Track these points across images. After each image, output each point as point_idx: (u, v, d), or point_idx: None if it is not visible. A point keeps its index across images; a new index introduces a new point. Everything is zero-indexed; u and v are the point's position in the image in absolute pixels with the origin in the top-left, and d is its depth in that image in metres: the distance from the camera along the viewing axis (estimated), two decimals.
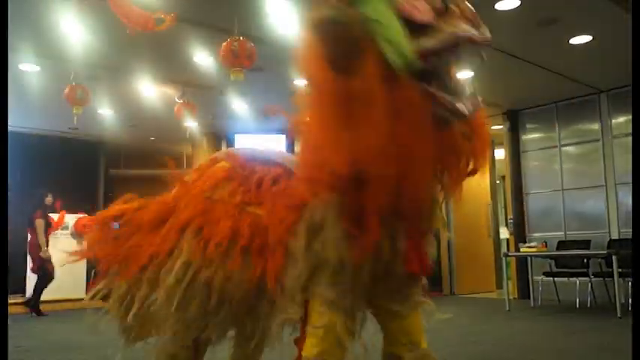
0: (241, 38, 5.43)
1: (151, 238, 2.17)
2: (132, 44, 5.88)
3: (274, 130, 10.96)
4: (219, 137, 11.30)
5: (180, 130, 8.99)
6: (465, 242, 10.39)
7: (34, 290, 8.47)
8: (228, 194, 2.11)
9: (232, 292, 1.97)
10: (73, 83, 6.98)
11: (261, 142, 11.12)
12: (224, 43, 5.44)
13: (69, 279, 9.21)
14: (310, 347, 1.81)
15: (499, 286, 10.43)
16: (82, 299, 9.80)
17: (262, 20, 5.48)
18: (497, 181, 11.84)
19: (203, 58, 6.73)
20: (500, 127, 9.60)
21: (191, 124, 8.90)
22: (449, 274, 10.38)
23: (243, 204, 2.07)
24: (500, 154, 10.33)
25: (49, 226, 8.54)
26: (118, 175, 12.88)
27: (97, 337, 2.31)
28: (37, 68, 6.95)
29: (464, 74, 6.98)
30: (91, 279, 10.23)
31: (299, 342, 1.88)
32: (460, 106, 1.66)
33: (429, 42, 1.61)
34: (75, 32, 5.63)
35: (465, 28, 1.62)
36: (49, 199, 8.65)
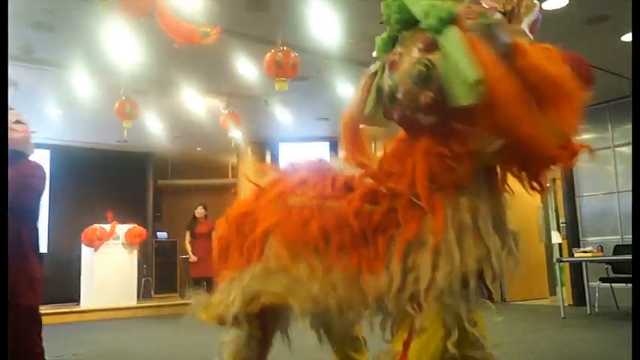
0: (285, 49, 5.47)
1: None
2: (178, 57, 6.00)
3: (318, 138, 11.00)
4: (263, 146, 11.40)
5: (226, 140, 9.09)
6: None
7: None
8: (307, 196, 2.07)
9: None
10: (123, 98, 7.16)
11: (305, 150, 11.18)
12: (268, 54, 5.49)
13: (120, 288, 9.44)
14: (427, 353, 1.77)
15: (552, 292, 10.14)
16: (133, 307, 10.10)
17: (306, 30, 5.50)
18: (548, 184, 11.55)
19: (247, 69, 6.80)
20: None
21: (236, 133, 9.00)
22: (499, 281, 10.13)
23: (321, 201, 2.02)
24: None
25: None
26: (166, 185, 13.15)
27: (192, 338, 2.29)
28: (89, 84, 7.15)
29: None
30: (142, 288, 10.49)
31: (406, 343, 1.81)
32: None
33: (527, 20, 1.92)
34: (124, 47, 5.77)
35: None
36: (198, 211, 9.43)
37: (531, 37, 1.89)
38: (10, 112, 2.98)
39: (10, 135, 2.86)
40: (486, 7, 1.83)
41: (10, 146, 2.81)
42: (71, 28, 5.71)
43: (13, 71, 6.87)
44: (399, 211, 1.84)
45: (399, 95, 1.82)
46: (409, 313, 1.78)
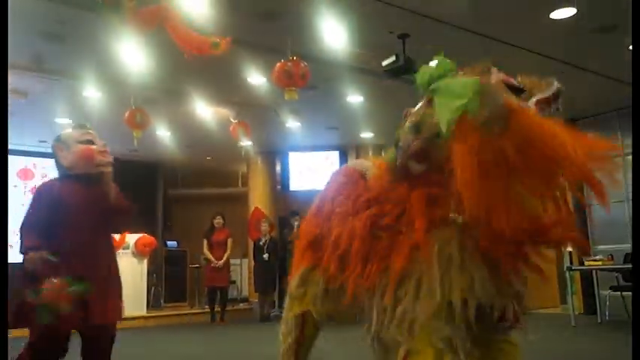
0: (294, 58, 5.50)
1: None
2: (188, 67, 6.04)
3: (328, 147, 11.03)
4: (273, 155, 11.45)
5: (236, 149, 9.13)
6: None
7: None
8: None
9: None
10: (133, 107, 7.22)
11: (315, 159, 11.21)
12: (277, 64, 5.53)
13: (130, 297, 9.45)
14: None
15: (563, 300, 10.06)
16: (142, 317, 10.12)
17: (315, 39, 5.53)
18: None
19: (257, 79, 6.85)
20: None
21: (246, 143, 9.04)
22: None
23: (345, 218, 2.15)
24: None
25: None
26: (176, 194, 13.20)
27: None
28: (99, 94, 7.22)
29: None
30: (151, 297, 10.51)
31: None
32: None
33: (540, 95, 1.90)
34: (134, 57, 5.84)
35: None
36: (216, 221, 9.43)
37: (535, 110, 1.87)
38: (88, 133, 2.95)
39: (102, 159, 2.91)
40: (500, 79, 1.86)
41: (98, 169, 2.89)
42: (81, 39, 5.77)
43: (24, 81, 6.97)
44: (388, 242, 1.95)
45: (400, 144, 1.96)
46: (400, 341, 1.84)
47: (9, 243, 2.83)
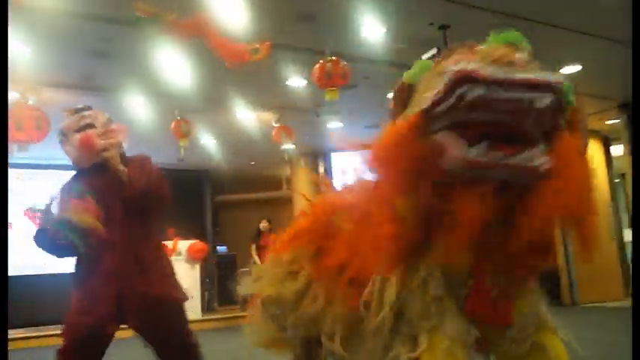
0: (334, 58, 5.51)
1: None
2: (229, 74, 6.13)
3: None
4: (315, 157, 11.48)
5: (278, 153, 9.21)
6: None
7: None
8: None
9: None
10: (178, 118, 7.38)
11: (357, 158, 11.19)
12: (317, 65, 5.55)
13: (186, 302, 9.62)
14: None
15: (628, 293, 9.69)
16: (199, 321, 10.23)
17: (353, 37, 5.54)
18: (617, 180, 11.11)
19: (297, 81, 6.90)
20: (616, 120, 9.04)
21: (288, 146, 9.11)
22: (569, 283, 9.67)
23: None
24: (617, 150, 9.71)
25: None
26: (223, 200, 13.39)
27: None
28: (145, 106, 7.40)
29: (571, 68, 6.64)
30: (205, 301, 10.70)
31: None
32: (532, 162, 1.47)
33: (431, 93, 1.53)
34: (177, 69, 5.97)
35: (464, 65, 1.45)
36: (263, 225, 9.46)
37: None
38: (84, 116, 2.62)
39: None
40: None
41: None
42: (127, 54, 5.94)
43: (75, 99, 7.19)
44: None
45: None
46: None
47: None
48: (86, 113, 2.61)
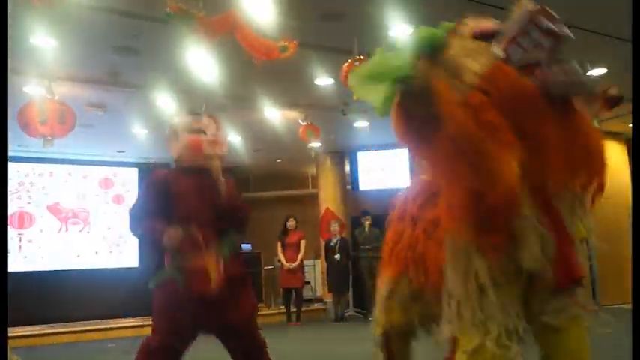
0: (362, 57, 5.46)
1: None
2: (256, 72, 6.10)
3: (396, 145, 10.90)
4: (342, 155, 11.42)
5: (305, 151, 9.19)
6: (607, 248, 9.59)
7: None
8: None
9: None
10: (205, 115, 7.37)
11: (384, 158, 11.11)
12: (345, 64, 5.50)
13: None
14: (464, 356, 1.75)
15: None
16: None
17: (381, 36, 5.47)
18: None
19: (324, 80, 6.85)
20: None
21: (315, 144, 9.07)
22: (591, 284, 9.62)
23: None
24: None
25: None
26: (249, 198, 13.39)
27: None
28: (172, 103, 7.42)
29: (596, 70, 6.55)
30: None
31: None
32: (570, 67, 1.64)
33: (507, 32, 1.70)
34: (204, 66, 5.96)
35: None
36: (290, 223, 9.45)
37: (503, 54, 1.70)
38: (199, 121, 2.72)
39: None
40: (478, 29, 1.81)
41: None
42: (154, 51, 5.95)
43: (103, 94, 7.26)
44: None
45: None
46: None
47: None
48: (200, 119, 2.74)
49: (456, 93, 1.64)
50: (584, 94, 1.74)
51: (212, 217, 2.56)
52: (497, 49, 1.69)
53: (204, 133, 2.65)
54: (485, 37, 1.75)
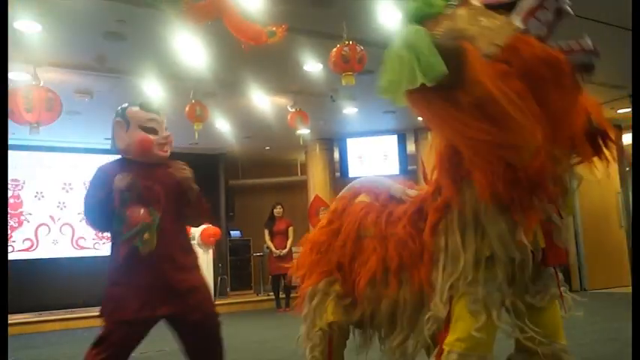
0: (351, 43, 5.43)
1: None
2: (245, 58, 6.07)
3: (385, 132, 10.90)
4: (331, 142, 11.41)
5: (294, 137, 9.16)
6: (594, 234, 9.73)
7: None
8: (373, 227, 2.25)
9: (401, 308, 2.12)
10: (193, 101, 7.33)
11: (373, 144, 11.11)
12: (334, 49, 5.47)
13: None
14: (458, 343, 1.81)
15: None
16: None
17: (371, 22, 5.44)
18: (627, 169, 10.97)
19: (313, 66, 6.81)
20: (628, 110, 8.90)
21: (304, 131, 9.05)
22: (578, 268, 9.75)
23: (385, 232, 2.20)
24: (629, 138, 9.54)
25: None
26: (237, 185, 13.38)
27: None
28: (160, 89, 7.35)
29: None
30: (218, 286, 10.73)
31: (439, 337, 1.89)
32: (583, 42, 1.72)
33: (524, 4, 1.70)
34: (193, 51, 5.91)
35: None
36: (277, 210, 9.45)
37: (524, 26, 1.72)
38: (153, 118, 2.68)
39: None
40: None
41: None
42: (142, 36, 5.88)
43: (89, 81, 7.18)
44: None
45: None
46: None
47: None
48: (155, 117, 2.69)
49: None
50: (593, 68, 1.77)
51: (171, 203, 2.62)
52: (517, 21, 1.71)
53: (156, 133, 2.64)
54: (496, 7, 1.77)
